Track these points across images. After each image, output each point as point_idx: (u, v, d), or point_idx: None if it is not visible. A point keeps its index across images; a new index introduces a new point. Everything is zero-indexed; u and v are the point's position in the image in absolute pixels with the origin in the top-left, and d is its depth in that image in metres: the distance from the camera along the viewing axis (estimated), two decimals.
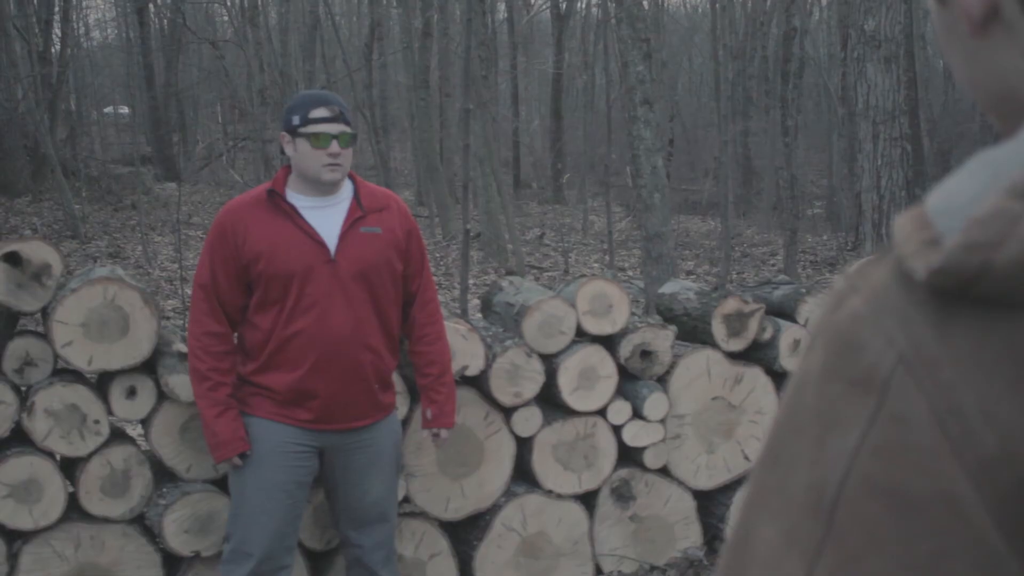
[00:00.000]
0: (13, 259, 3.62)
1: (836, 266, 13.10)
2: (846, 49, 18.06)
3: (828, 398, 0.59)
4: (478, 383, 4.13)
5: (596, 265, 13.63)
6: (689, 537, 4.49)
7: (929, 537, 0.54)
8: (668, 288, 4.98)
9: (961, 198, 0.59)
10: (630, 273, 12.33)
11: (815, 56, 23.67)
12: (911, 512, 0.55)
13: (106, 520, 3.73)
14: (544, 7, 27.97)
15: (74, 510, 3.71)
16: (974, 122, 22.11)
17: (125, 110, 27.81)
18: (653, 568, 4.42)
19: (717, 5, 15.52)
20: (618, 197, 17.77)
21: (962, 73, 0.68)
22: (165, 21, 24.05)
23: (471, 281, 9.16)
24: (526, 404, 4.16)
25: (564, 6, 25.92)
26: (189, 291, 9.60)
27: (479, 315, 4.89)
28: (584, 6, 27.95)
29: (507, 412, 4.17)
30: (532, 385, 4.14)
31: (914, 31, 12.91)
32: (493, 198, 13.95)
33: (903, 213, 0.61)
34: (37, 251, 3.66)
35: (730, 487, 4.53)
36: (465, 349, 4.03)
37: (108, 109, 27.82)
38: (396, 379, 3.79)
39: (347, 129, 3.36)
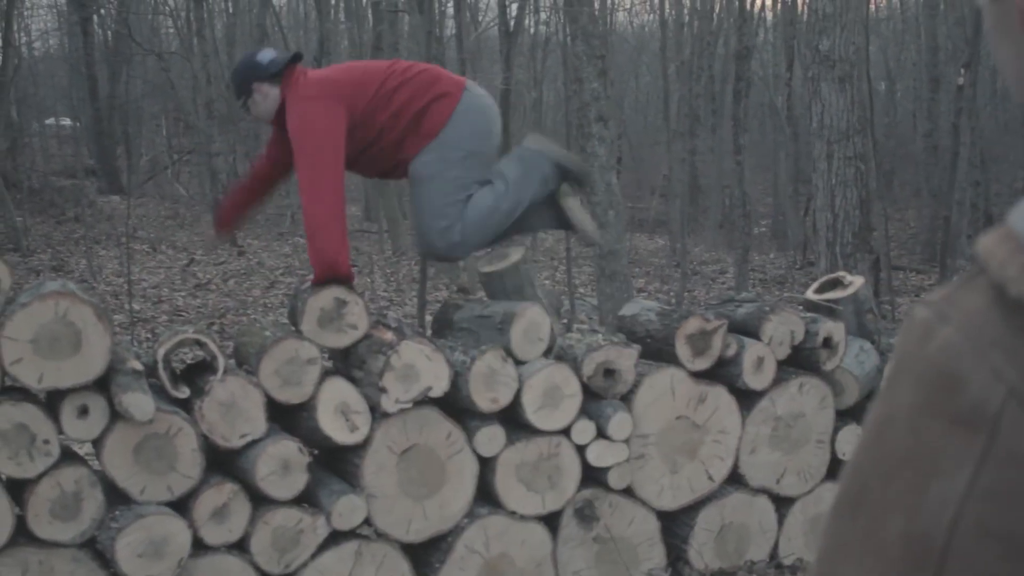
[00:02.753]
0: None
1: (786, 284, 13.18)
2: (791, 69, 18.26)
3: (925, 439, 0.53)
4: (445, 398, 4.05)
5: (548, 282, 13.60)
6: (653, 558, 4.43)
7: None
8: (628, 310, 4.93)
9: None
10: (581, 291, 12.32)
11: (763, 75, 23.91)
12: None
13: (55, 544, 3.59)
14: (492, 24, 28.00)
15: (22, 534, 3.57)
16: (915, 144, 22.47)
17: (67, 122, 27.39)
18: None
19: (669, 19, 15.62)
20: None
21: (1011, 68, 0.63)
22: (110, 32, 23.72)
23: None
24: (488, 423, 4.09)
25: (512, 23, 25.97)
26: (136, 306, 9.46)
27: (429, 332, 4.81)
28: (533, 23, 28.01)
29: (469, 432, 4.09)
30: (507, 391, 4.06)
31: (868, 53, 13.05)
32: None
33: (986, 235, 0.56)
34: None
35: (693, 508, 4.49)
36: (429, 369, 3.95)
37: (50, 120, 27.35)
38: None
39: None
